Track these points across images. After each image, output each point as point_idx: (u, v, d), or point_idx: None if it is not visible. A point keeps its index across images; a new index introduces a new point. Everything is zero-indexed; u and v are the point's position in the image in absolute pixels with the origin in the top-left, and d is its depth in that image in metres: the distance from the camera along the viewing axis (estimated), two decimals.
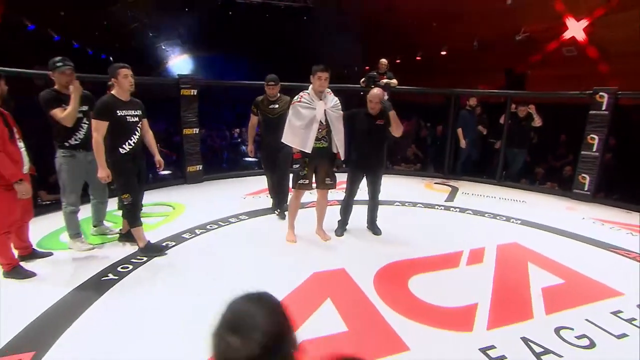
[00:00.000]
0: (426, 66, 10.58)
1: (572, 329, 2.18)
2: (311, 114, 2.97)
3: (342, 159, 3.22)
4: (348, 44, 11.08)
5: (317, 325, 2.11)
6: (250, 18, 10.65)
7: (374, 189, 3.56)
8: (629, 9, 6.04)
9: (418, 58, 11.07)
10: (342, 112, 3.19)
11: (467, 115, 6.20)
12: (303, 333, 2.01)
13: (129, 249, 3.03)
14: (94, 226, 3.36)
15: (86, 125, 2.93)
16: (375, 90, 3.34)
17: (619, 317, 2.33)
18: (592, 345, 2.06)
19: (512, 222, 4.13)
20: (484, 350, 1.96)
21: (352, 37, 11.20)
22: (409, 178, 6.24)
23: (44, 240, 3.16)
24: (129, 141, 2.76)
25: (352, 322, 2.16)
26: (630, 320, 2.29)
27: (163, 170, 3.21)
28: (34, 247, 2.89)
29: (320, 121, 3.00)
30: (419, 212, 4.40)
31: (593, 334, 2.15)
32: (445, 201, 4.89)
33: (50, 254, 2.91)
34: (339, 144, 3.14)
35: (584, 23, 6.40)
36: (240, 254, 3.09)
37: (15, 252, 2.68)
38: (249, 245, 3.26)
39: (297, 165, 3.09)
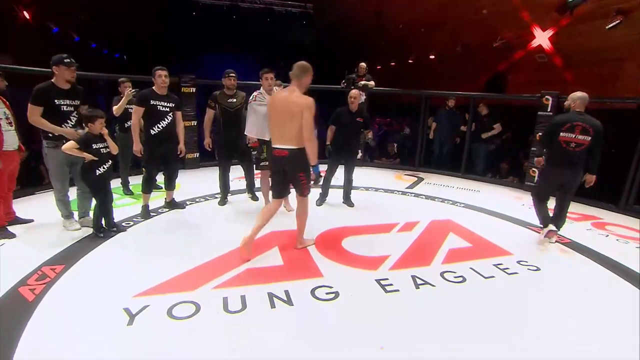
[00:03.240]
0: (415, 70, 11.24)
1: (454, 272, 2.89)
2: (265, 109, 3.68)
3: None
4: (344, 47, 11.82)
5: (262, 261, 2.90)
6: (253, 22, 11.51)
7: (349, 174, 4.46)
8: (591, 20, 6.62)
9: (410, 60, 11.76)
10: None
11: (441, 114, 6.91)
12: (250, 264, 2.81)
13: (133, 210, 3.88)
14: (80, 217, 3.47)
15: (75, 118, 3.20)
16: (354, 91, 4.30)
17: (497, 267, 3.03)
18: (463, 281, 2.78)
19: (457, 205, 4.83)
20: (378, 281, 2.69)
21: (349, 41, 11.93)
22: (384, 170, 6.96)
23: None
24: (158, 125, 3.61)
25: (288, 260, 2.94)
26: (504, 270, 2.99)
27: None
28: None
29: None
30: (378, 195, 5.13)
31: (468, 275, 2.86)
32: (406, 188, 5.61)
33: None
34: None
35: (549, 32, 7.00)
36: (217, 218, 3.91)
37: None
38: (226, 213, 4.08)
39: (255, 152, 3.85)
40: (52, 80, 3.11)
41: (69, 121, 3.18)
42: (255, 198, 4.55)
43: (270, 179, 3.48)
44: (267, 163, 3.87)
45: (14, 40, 8.17)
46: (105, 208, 3.23)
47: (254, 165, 3.97)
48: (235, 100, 4.11)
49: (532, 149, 5.77)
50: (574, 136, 3.30)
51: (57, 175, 3.23)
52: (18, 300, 2.24)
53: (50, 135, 3.11)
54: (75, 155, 3.00)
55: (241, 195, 4.72)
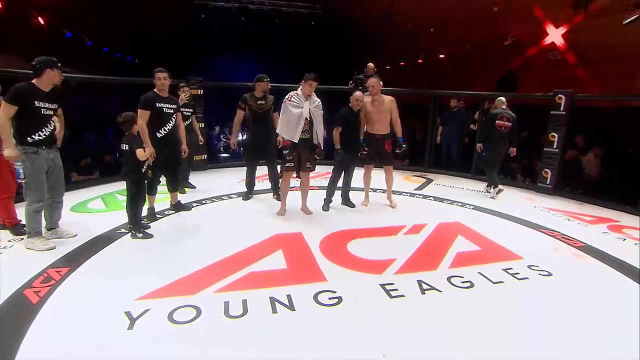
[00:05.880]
0: (425, 69, 11.11)
1: (462, 277, 2.81)
2: (299, 112, 3.70)
3: (322, 148, 3.92)
4: (353, 48, 11.76)
5: (265, 264, 2.87)
6: (262, 23, 11.55)
7: (349, 175, 4.46)
8: (607, 16, 6.42)
9: (420, 60, 11.62)
10: (322, 110, 3.90)
11: (446, 116, 6.81)
12: (253, 267, 2.78)
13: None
14: (48, 229, 3.19)
15: (54, 123, 3.00)
16: (357, 92, 4.21)
17: (506, 272, 2.93)
18: (470, 286, 2.70)
19: (466, 207, 4.73)
20: (382, 286, 2.63)
21: (357, 41, 11.87)
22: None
23: (75, 207, 4.07)
24: (164, 127, 3.63)
25: (292, 263, 2.90)
26: (513, 274, 2.90)
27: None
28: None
29: (305, 117, 3.73)
30: (386, 197, 5.04)
31: (476, 280, 2.77)
32: (415, 190, 5.52)
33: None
34: (319, 136, 3.87)
35: (562, 30, 6.82)
36: (222, 220, 3.91)
37: None
38: (232, 215, 4.08)
39: (287, 151, 3.83)
40: (33, 81, 2.87)
41: (48, 125, 2.94)
42: (279, 198, 4.48)
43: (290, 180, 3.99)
44: (292, 165, 3.85)
45: (29, 45, 8.36)
46: (140, 204, 3.37)
47: (281, 167, 3.96)
48: (264, 102, 4.31)
49: (545, 149, 5.60)
50: (503, 123, 5.06)
51: (37, 184, 2.91)
52: (22, 303, 2.26)
53: (30, 139, 2.84)
54: (142, 159, 3.12)
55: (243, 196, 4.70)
